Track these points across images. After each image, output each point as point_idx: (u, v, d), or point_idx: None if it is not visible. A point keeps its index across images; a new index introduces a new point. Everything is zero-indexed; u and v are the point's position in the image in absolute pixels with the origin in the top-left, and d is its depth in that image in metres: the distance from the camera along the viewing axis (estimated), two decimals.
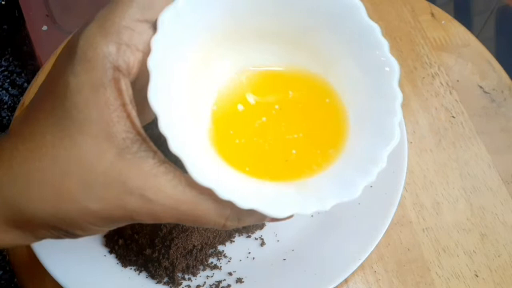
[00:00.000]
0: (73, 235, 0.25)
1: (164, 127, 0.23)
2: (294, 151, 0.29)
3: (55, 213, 0.23)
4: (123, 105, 0.23)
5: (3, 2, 1.06)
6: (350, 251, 0.40)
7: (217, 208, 0.24)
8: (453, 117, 0.50)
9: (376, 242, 0.40)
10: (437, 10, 0.58)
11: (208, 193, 0.24)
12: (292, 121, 0.30)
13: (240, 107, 0.30)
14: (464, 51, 0.55)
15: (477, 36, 0.56)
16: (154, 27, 0.25)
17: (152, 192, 0.23)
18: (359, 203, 0.43)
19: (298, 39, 0.30)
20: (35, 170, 0.23)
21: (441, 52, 0.55)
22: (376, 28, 0.28)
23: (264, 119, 0.30)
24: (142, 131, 0.24)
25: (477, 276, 0.42)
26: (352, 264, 0.39)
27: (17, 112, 0.50)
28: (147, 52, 0.24)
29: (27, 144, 0.24)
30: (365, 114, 0.28)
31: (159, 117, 0.23)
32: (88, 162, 0.23)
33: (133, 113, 0.24)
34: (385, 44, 0.28)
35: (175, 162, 0.24)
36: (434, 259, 0.42)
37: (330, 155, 0.28)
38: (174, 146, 0.23)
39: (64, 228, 0.24)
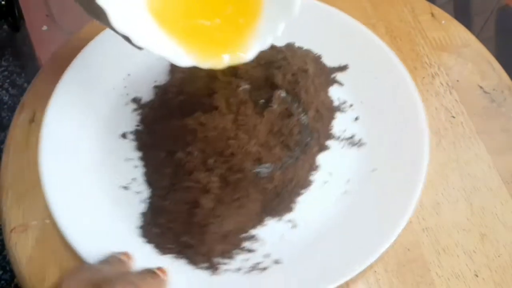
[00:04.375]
0: None
1: None
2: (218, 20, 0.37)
3: None
4: None
5: (3, 2, 1.06)
6: (379, 231, 0.41)
7: None
8: (453, 117, 0.50)
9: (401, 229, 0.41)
10: (437, 10, 0.58)
11: None
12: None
13: None
14: (464, 51, 0.55)
15: (477, 36, 0.56)
16: None
17: None
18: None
19: None
20: None
21: (441, 52, 0.55)
22: None
23: None
24: None
25: (477, 276, 0.42)
26: (379, 246, 0.40)
27: (16, 112, 0.50)
28: None
29: None
30: None
31: None
32: None
33: None
34: None
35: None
36: (434, 259, 0.42)
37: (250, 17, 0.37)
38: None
39: None
